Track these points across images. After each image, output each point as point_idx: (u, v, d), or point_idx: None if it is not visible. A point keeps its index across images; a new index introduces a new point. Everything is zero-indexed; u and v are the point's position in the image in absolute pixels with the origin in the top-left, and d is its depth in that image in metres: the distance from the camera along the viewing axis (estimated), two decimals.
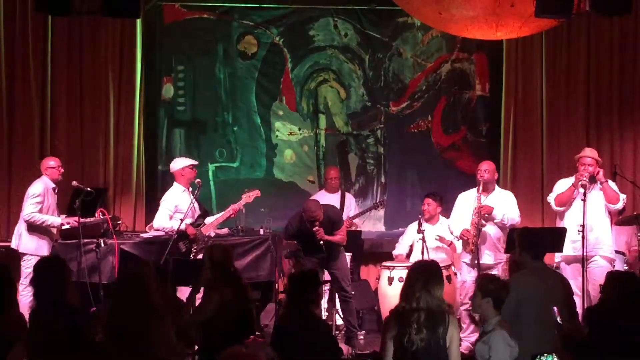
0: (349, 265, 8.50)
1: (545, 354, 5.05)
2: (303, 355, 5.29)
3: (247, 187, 8.54)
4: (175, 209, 8.14)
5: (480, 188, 7.85)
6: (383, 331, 5.04)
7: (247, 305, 6.22)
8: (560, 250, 7.68)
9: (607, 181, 7.77)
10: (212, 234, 8.20)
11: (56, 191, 8.45)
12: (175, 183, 8.31)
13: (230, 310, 6.01)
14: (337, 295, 8.34)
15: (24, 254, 8.25)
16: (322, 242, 7.88)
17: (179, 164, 8.38)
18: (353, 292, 8.22)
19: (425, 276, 4.94)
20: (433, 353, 4.81)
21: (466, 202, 8.02)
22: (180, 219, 7.95)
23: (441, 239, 8.52)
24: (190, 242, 8.08)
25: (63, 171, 8.50)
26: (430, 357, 4.81)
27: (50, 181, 8.35)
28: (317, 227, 7.86)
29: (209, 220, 8.29)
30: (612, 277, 5.52)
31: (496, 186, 8.12)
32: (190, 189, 8.31)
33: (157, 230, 8.27)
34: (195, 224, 8.17)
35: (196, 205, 8.27)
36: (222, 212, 8.33)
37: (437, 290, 4.91)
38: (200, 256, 7.92)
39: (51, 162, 8.46)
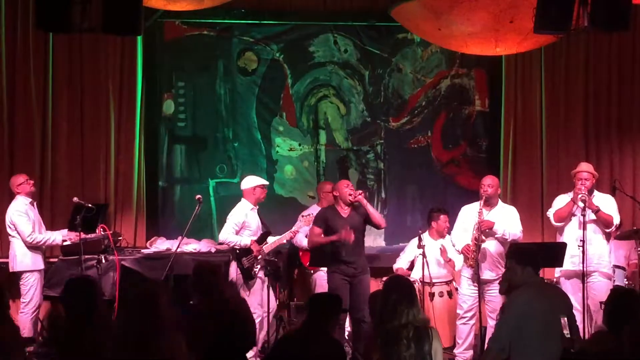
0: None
1: None
2: None
3: None
4: (242, 224, 8.17)
5: (483, 203, 7.83)
6: (366, 352, 4.95)
7: (231, 325, 5.93)
8: (561, 265, 7.71)
9: (598, 209, 7.76)
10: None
11: (35, 205, 8.50)
12: (243, 199, 8.33)
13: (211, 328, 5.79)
14: (348, 319, 8.08)
15: (22, 272, 8.27)
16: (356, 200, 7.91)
17: (251, 182, 8.36)
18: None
19: (406, 290, 4.92)
20: None
21: (469, 215, 8.00)
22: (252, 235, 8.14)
23: (443, 252, 8.51)
24: (254, 259, 8.09)
25: (33, 182, 8.55)
26: None
27: (25, 197, 8.38)
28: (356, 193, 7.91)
29: (270, 240, 8.30)
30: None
31: (499, 201, 8.09)
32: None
33: (222, 243, 8.29)
34: (258, 241, 8.21)
35: (256, 221, 8.28)
36: (283, 235, 8.36)
37: (417, 304, 4.92)
38: (260, 274, 8.05)
39: (20, 178, 8.48)
